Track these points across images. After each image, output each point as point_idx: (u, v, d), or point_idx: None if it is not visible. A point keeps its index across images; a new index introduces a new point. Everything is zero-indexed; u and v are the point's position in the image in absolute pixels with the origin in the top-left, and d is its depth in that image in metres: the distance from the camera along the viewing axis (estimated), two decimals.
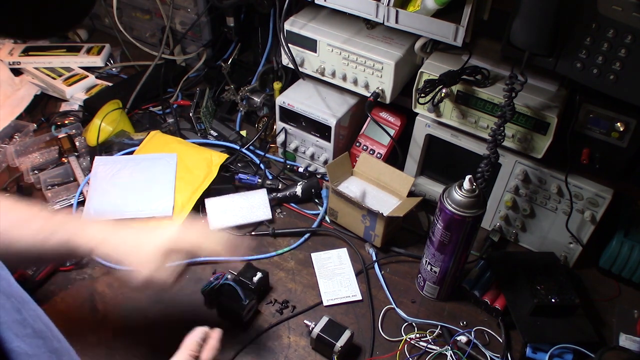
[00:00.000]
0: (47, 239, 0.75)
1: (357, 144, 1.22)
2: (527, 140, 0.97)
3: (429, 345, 0.93)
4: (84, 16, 0.50)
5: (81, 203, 1.14)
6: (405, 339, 0.94)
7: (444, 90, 0.99)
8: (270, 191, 1.18)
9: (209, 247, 0.82)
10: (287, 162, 1.28)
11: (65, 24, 0.49)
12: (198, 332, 0.76)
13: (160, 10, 1.47)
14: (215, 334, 0.78)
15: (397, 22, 1.02)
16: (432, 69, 1.01)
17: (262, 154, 1.28)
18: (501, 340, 0.94)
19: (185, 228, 0.84)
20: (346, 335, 0.89)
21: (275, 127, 1.27)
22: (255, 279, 0.98)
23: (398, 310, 0.98)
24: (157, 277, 0.76)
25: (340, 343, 0.88)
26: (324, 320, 0.91)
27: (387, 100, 1.12)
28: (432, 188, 1.18)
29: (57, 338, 0.57)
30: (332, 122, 1.15)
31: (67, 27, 0.49)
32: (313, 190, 1.19)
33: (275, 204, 1.18)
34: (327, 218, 1.16)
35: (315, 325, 0.91)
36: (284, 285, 1.03)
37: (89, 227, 0.79)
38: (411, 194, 1.10)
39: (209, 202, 1.15)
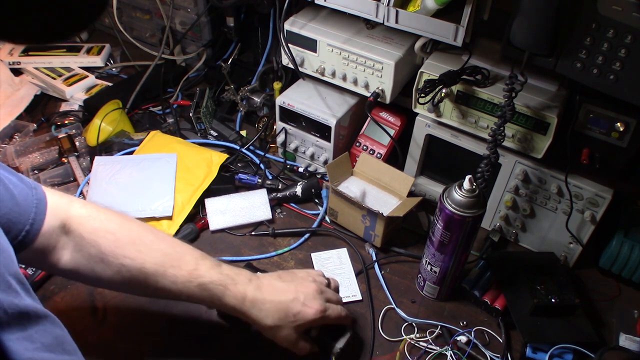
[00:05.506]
0: None
1: (357, 144, 1.22)
2: (527, 140, 0.97)
3: (429, 346, 0.93)
4: (91, 21, 0.50)
5: None
6: (406, 339, 0.94)
7: (444, 90, 0.99)
8: (270, 191, 1.18)
9: None
10: (287, 162, 1.27)
11: (72, 28, 0.49)
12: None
13: (160, 10, 1.46)
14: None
15: (397, 22, 1.02)
16: (432, 69, 1.01)
17: (262, 154, 1.28)
18: (501, 340, 0.94)
19: None
20: (346, 335, 0.89)
21: (275, 127, 1.27)
22: None
23: (398, 310, 0.98)
24: None
25: (340, 343, 0.87)
26: None
27: (387, 100, 1.12)
28: (432, 188, 1.18)
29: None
30: (332, 122, 1.15)
31: (72, 32, 0.48)
32: (313, 190, 1.19)
33: (275, 204, 1.18)
34: (327, 218, 1.16)
35: None
36: None
37: None
38: (411, 194, 1.10)
39: (209, 202, 1.15)
